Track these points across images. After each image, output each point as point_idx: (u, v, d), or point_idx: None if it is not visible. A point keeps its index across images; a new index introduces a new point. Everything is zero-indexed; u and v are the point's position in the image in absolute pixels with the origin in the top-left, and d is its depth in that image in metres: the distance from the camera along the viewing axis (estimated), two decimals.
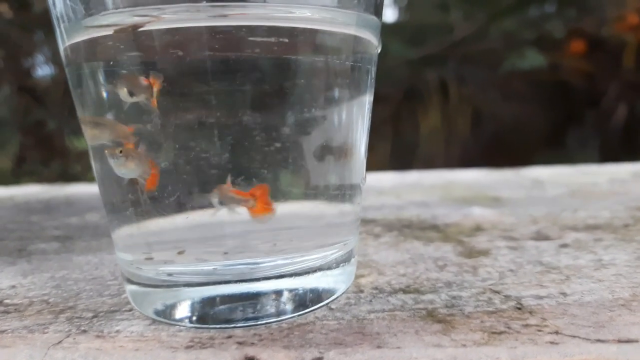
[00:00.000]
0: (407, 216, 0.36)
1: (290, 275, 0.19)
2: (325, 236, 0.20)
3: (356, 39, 0.19)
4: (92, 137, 0.18)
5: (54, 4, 0.17)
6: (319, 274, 0.20)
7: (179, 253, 0.18)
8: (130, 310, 0.20)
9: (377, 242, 0.29)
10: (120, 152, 0.17)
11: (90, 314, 0.20)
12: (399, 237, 0.30)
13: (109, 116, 0.18)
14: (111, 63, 0.17)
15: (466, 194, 0.46)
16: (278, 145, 0.18)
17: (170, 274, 0.18)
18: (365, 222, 0.35)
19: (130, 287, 0.20)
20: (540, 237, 0.29)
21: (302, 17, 0.17)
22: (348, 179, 0.21)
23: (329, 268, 0.20)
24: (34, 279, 0.24)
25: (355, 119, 0.20)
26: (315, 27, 0.18)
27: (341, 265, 0.21)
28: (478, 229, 0.32)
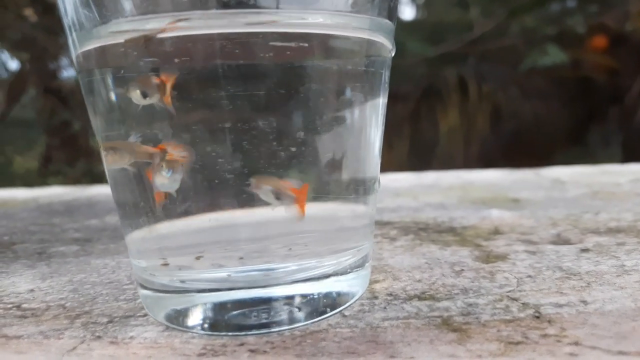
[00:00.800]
0: (424, 219, 0.36)
1: (304, 281, 0.19)
2: (340, 241, 0.20)
3: (369, 42, 0.19)
4: (117, 161, 0.18)
5: (65, 12, 0.17)
6: (332, 279, 0.20)
7: (197, 258, 0.18)
8: (145, 315, 0.20)
9: (392, 246, 0.29)
10: (168, 167, 0.17)
11: (105, 319, 0.20)
12: (415, 240, 0.30)
13: (122, 125, 0.18)
14: (122, 71, 0.17)
15: (485, 195, 0.45)
16: (292, 149, 0.17)
17: (183, 281, 0.18)
18: (381, 224, 0.35)
19: (143, 292, 0.20)
20: (560, 240, 0.28)
21: (315, 23, 0.17)
22: (362, 184, 0.20)
23: (343, 273, 0.20)
24: (52, 283, 0.25)
25: (368, 123, 0.20)
26: (328, 32, 0.17)
27: (355, 270, 0.21)
28: (496, 232, 0.31)
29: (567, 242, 0.28)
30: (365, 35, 0.19)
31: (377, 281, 0.23)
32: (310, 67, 0.17)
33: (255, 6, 0.16)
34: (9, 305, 0.22)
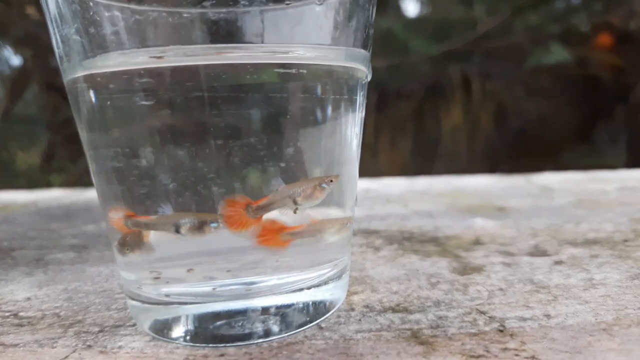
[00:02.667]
0: (410, 227, 0.37)
1: (283, 293, 0.20)
2: (321, 254, 0.21)
3: (345, 69, 0.20)
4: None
5: (57, 44, 0.19)
6: (312, 291, 0.21)
7: (189, 271, 0.19)
8: (134, 325, 0.21)
9: (375, 256, 0.30)
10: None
11: (96, 329, 0.21)
12: (398, 250, 0.31)
13: (109, 140, 0.19)
14: (111, 94, 0.18)
15: (472, 203, 0.46)
16: (272, 166, 0.19)
17: (167, 295, 0.20)
18: (368, 233, 0.36)
19: (131, 303, 0.21)
20: (537, 252, 0.30)
21: (295, 56, 0.18)
22: (341, 201, 0.21)
23: (320, 285, 0.21)
24: (48, 291, 0.26)
25: (344, 142, 0.21)
26: (307, 62, 0.19)
27: (332, 282, 0.22)
28: (477, 242, 0.32)
29: (543, 253, 0.29)
30: (340, 63, 0.20)
31: (355, 292, 0.24)
32: (288, 92, 0.19)
33: (242, 41, 0.17)
34: (7, 314, 0.23)
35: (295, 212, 0.19)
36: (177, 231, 0.18)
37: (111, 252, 0.33)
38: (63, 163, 1.65)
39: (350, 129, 0.21)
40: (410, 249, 0.31)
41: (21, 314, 0.23)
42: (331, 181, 0.20)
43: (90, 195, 0.61)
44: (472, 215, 0.40)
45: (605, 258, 0.28)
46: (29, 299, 0.25)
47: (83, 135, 0.20)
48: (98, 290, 0.26)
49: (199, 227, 0.18)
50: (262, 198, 0.19)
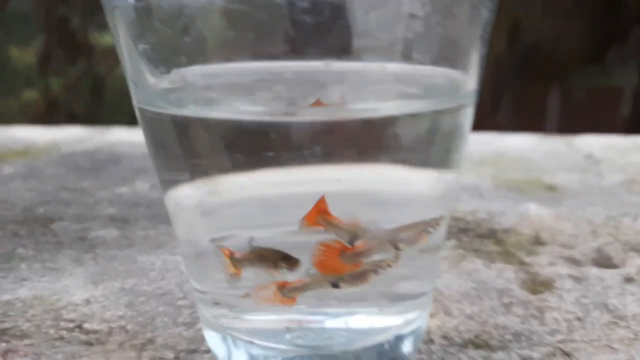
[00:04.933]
0: (462, 213, 0.36)
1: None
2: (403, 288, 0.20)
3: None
4: None
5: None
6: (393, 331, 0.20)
7: (244, 296, 0.18)
8: (208, 351, 0.21)
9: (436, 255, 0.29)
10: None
11: (171, 355, 0.21)
12: (458, 249, 0.30)
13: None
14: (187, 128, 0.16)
15: (519, 177, 0.45)
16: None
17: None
18: None
19: (208, 333, 0.21)
20: (602, 259, 0.29)
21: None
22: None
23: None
24: (105, 291, 0.25)
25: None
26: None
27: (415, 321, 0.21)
28: (537, 241, 0.31)
29: (609, 261, 0.29)
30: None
31: (430, 315, 0.23)
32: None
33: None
34: (71, 325, 0.22)
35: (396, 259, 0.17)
36: (335, 286, 0.17)
37: (156, 230, 0.32)
38: (60, 65, 1.58)
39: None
40: (470, 247, 0.30)
41: (86, 325, 0.22)
42: (437, 224, 0.18)
43: (112, 137, 0.58)
44: (523, 198, 0.39)
45: None
46: (88, 302, 0.24)
47: (155, 161, 0.18)
48: (158, 292, 0.25)
49: (360, 277, 0.17)
50: (359, 244, 0.17)
